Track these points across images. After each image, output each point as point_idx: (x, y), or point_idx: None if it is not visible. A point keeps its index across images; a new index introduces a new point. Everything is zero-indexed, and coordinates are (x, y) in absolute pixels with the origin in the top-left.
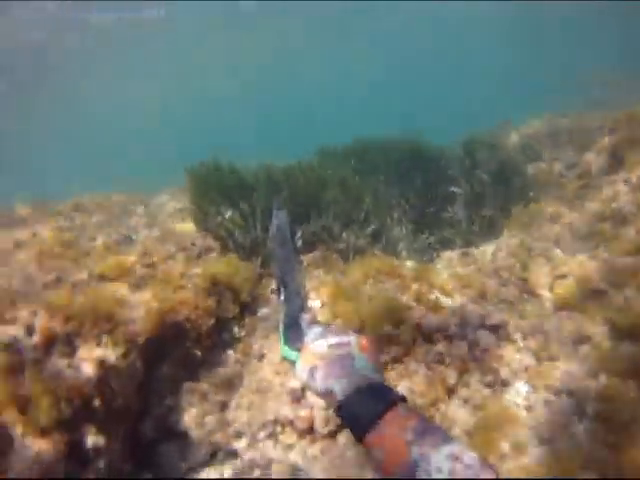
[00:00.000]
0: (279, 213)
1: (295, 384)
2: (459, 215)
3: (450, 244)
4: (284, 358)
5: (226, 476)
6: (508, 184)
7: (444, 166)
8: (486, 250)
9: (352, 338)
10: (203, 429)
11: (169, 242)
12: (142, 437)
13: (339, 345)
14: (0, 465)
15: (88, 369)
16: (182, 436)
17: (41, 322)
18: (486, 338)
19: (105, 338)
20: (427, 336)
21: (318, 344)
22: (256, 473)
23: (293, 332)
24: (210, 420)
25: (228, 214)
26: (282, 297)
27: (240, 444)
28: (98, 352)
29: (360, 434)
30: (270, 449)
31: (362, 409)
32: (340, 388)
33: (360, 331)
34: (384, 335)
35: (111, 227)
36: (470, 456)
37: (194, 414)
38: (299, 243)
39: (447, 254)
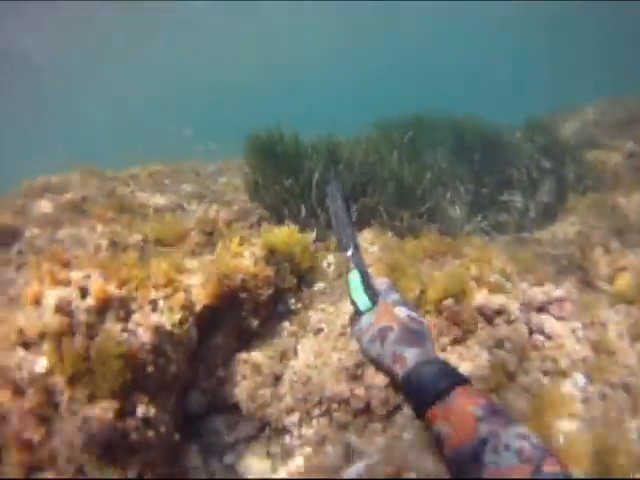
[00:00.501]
0: (332, 180)
1: (351, 362)
2: (515, 200)
3: (504, 229)
4: (352, 300)
5: (272, 451)
6: (565, 171)
7: (502, 148)
8: (542, 237)
9: (425, 320)
10: (254, 402)
11: (223, 211)
12: (190, 408)
13: (416, 319)
14: (45, 431)
15: (144, 335)
16: (231, 409)
17: (96, 285)
18: (546, 325)
19: (162, 304)
20: (488, 319)
21: (398, 309)
22: (307, 450)
23: (370, 284)
24: (262, 393)
25: (286, 183)
26: (349, 253)
27: (291, 419)
28: (154, 318)
29: (425, 405)
30: (324, 427)
31: (432, 380)
32: (413, 355)
33: (421, 301)
34: (445, 312)
35: (164, 195)
36: (536, 439)
37: (246, 386)
38: (354, 216)
39: (502, 238)
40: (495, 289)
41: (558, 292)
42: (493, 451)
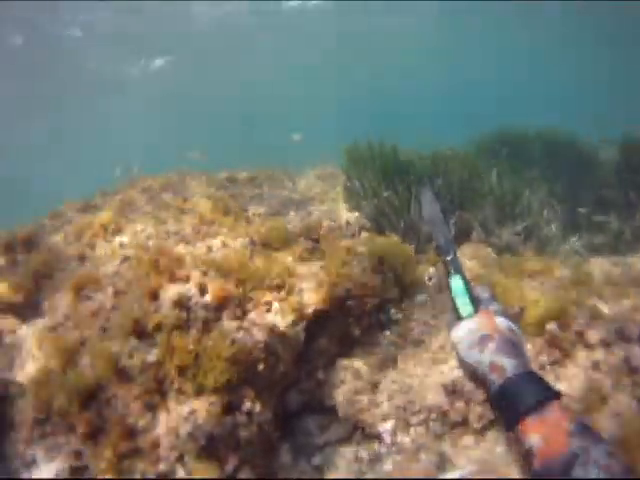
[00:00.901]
0: (424, 189)
1: (452, 376)
2: (611, 222)
3: (598, 250)
4: (453, 301)
5: (360, 455)
6: None
7: (598, 166)
8: (635, 261)
9: (520, 332)
10: (350, 407)
11: (323, 218)
12: (287, 406)
13: (515, 331)
14: (150, 418)
15: (259, 334)
16: (326, 411)
17: (215, 283)
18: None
19: (276, 305)
20: (587, 343)
21: (499, 320)
22: (397, 457)
23: (472, 291)
24: (359, 399)
25: (385, 194)
26: (449, 257)
27: (385, 426)
28: (269, 318)
29: (519, 416)
30: (421, 435)
31: (528, 392)
32: (511, 366)
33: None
34: (546, 334)
35: (262, 200)
36: (623, 458)
37: (344, 391)
38: (452, 231)
39: (598, 261)
40: (594, 314)
41: None
42: (582, 466)
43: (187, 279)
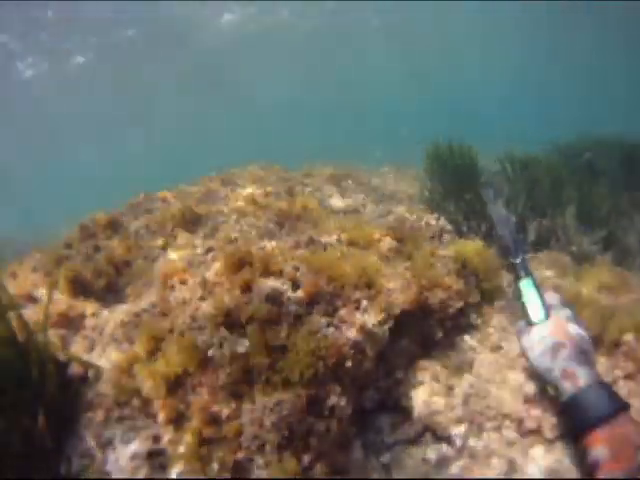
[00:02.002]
0: (487, 190)
1: (529, 383)
2: None
3: None
4: (522, 305)
5: (428, 457)
6: None
7: None
8: None
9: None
10: (424, 408)
11: (402, 220)
12: (363, 403)
13: (587, 339)
14: (236, 407)
15: (348, 331)
16: (401, 410)
17: (308, 278)
18: None
19: (365, 303)
20: None
21: (571, 326)
22: (465, 461)
23: (543, 296)
24: (434, 401)
25: (466, 197)
26: (518, 260)
27: (458, 430)
28: (358, 316)
29: (589, 426)
30: (494, 441)
31: (600, 402)
32: (584, 375)
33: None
34: (623, 346)
35: (342, 197)
36: None
37: (420, 392)
38: (532, 237)
39: None
40: None
41: None
42: None
43: (280, 274)
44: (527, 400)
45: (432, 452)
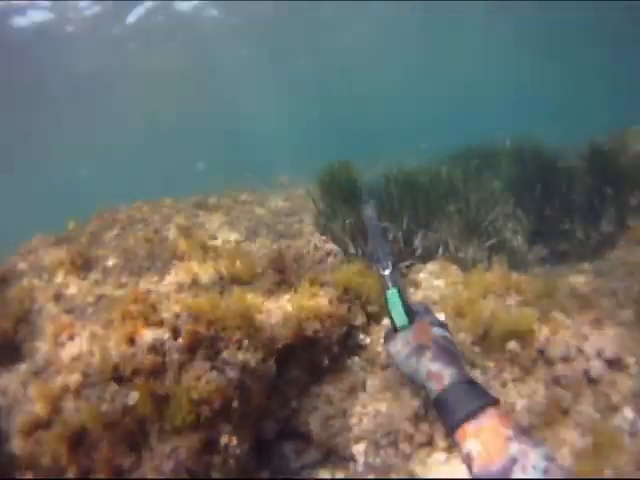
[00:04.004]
0: (367, 207)
1: (417, 398)
2: (576, 228)
3: (565, 257)
4: (389, 313)
5: (337, 477)
6: (628, 196)
7: (564, 174)
8: (602, 267)
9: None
10: (324, 432)
11: (293, 245)
12: (263, 434)
13: (451, 340)
14: (135, 458)
15: (231, 372)
16: (302, 437)
17: (187, 326)
18: (601, 366)
19: (246, 342)
20: (548, 359)
21: (435, 329)
22: (372, 476)
23: (408, 303)
24: (332, 424)
25: (349, 220)
26: (386, 272)
27: (359, 449)
28: (240, 356)
29: (458, 422)
30: (390, 456)
31: (465, 398)
32: (448, 374)
33: (483, 344)
34: (508, 353)
35: (233, 227)
36: (561, 460)
37: (317, 417)
38: (419, 250)
39: (563, 269)
40: (556, 329)
41: (610, 350)
42: (521, 470)
43: (161, 323)
44: (416, 415)
45: (340, 472)
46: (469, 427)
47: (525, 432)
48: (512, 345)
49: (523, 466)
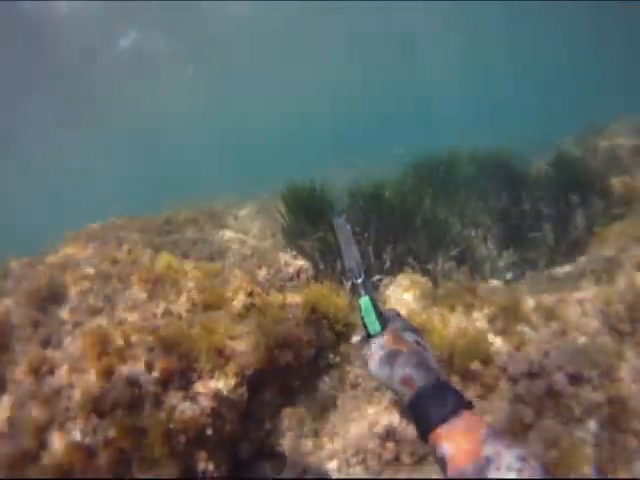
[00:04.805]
0: (338, 218)
1: (384, 418)
2: (545, 235)
3: (534, 263)
4: (362, 320)
5: None
6: (594, 201)
7: (530, 182)
8: (572, 272)
9: (428, 344)
10: (298, 451)
11: (263, 266)
12: (240, 455)
13: (423, 345)
14: None
15: (204, 402)
16: (277, 457)
17: (160, 359)
18: (563, 379)
19: (217, 372)
20: (510, 376)
21: (406, 334)
22: None
23: (380, 310)
24: (305, 443)
25: (317, 235)
26: (359, 280)
27: (331, 466)
28: (212, 385)
29: (431, 425)
30: (360, 473)
31: (438, 401)
32: (420, 378)
33: (448, 362)
34: (470, 371)
35: (205, 244)
36: (534, 460)
37: (290, 437)
38: (387, 264)
39: (532, 275)
40: (519, 343)
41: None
42: (496, 471)
43: (135, 358)
44: (382, 434)
45: None
46: (442, 430)
47: (498, 434)
48: (475, 365)
49: (497, 467)
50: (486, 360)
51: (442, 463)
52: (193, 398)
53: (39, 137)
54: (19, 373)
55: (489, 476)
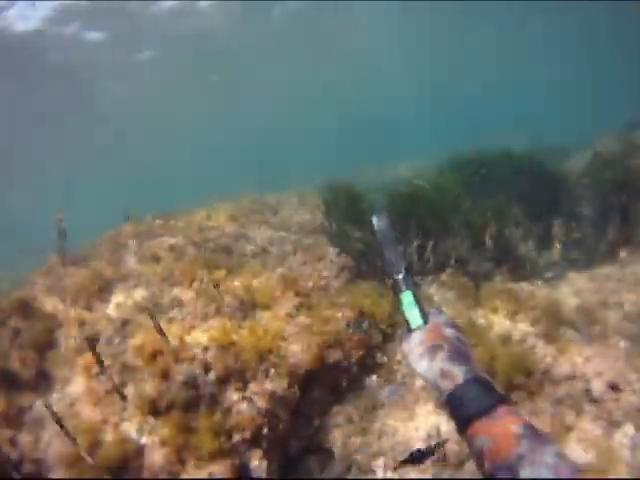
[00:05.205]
0: (379, 214)
1: (431, 418)
2: (583, 236)
3: (575, 263)
4: (403, 314)
5: None
6: (637, 204)
7: (570, 181)
8: (611, 274)
9: (470, 342)
10: (345, 448)
11: (308, 258)
12: (289, 451)
13: (463, 340)
14: None
15: (260, 402)
16: (325, 452)
17: (217, 361)
18: (601, 386)
19: (272, 371)
20: (553, 380)
21: (448, 330)
22: None
23: (422, 304)
24: (353, 440)
25: (355, 235)
26: (400, 275)
27: (378, 463)
28: (267, 386)
29: (469, 420)
30: (407, 471)
31: (476, 396)
32: (461, 372)
33: (492, 375)
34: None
35: (247, 241)
36: (570, 458)
37: (338, 434)
38: (430, 264)
39: (573, 276)
40: (562, 348)
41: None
42: (530, 466)
43: (192, 359)
44: (429, 434)
45: None
46: (480, 424)
47: (535, 429)
48: (520, 380)
49: (532, 462)
50: (530, 372)
51: (478, 457)
52: (250, 398)
53: None
54: (68, 369)
55: (524, 471)
